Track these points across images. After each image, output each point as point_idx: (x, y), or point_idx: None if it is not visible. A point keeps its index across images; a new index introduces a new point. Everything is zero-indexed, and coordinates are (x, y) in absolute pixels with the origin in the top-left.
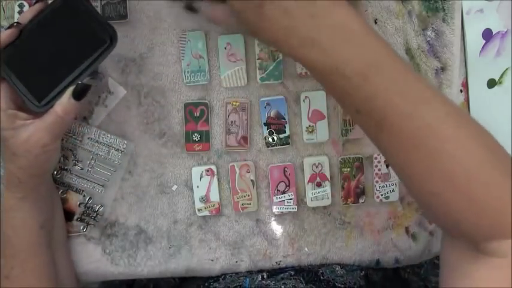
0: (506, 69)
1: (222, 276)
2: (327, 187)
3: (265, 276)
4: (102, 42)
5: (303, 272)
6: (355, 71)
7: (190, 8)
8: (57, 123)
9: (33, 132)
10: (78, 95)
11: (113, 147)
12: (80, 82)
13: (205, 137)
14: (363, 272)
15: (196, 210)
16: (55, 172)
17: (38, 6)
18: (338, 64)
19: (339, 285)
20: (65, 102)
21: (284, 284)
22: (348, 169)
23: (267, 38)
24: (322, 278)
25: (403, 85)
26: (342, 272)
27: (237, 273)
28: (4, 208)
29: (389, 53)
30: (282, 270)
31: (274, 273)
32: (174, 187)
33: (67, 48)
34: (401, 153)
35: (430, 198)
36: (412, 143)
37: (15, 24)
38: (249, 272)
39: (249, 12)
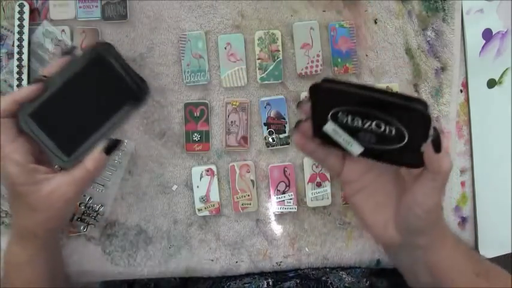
0: (506, 69)
1: (228, 284)
2: (327, 187)
3: (270, 283)
4: (133, 97)
5: (309, 280)
6: (448, 242)
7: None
8: (85, 178)
9: (57, 186)
10: (109, 150)
11: None
12: (111, 138)
13: (205, 137)
14: (368, 282)
15: (196, 210)
16: None
17: (63, 60)
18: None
19: None
20: (96, 157)
21: None
22: None
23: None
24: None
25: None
26: (349, 279)
27: (241, 280)
28: (14, 263)
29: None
30: (284, 275)
31: (278, 279)
32: (174, 187)
33: (97, 103)
34: None
35: None
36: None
37: (40, 78)
38: (253, 277)
39: None
